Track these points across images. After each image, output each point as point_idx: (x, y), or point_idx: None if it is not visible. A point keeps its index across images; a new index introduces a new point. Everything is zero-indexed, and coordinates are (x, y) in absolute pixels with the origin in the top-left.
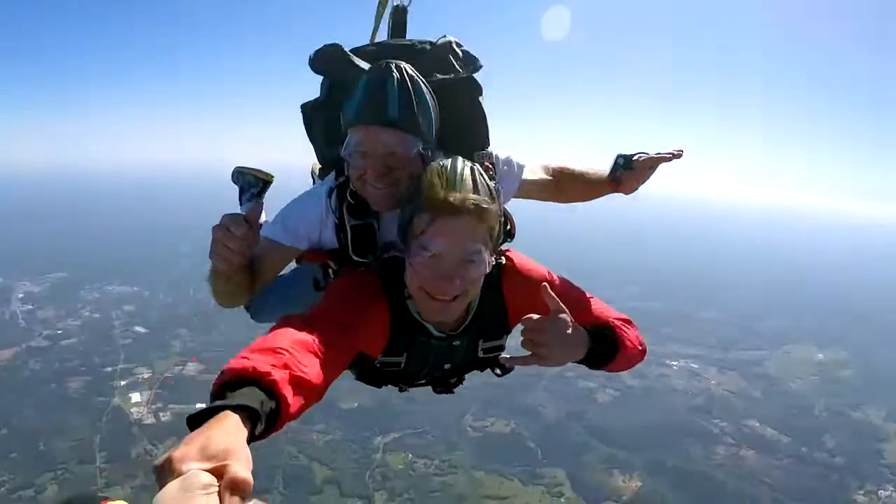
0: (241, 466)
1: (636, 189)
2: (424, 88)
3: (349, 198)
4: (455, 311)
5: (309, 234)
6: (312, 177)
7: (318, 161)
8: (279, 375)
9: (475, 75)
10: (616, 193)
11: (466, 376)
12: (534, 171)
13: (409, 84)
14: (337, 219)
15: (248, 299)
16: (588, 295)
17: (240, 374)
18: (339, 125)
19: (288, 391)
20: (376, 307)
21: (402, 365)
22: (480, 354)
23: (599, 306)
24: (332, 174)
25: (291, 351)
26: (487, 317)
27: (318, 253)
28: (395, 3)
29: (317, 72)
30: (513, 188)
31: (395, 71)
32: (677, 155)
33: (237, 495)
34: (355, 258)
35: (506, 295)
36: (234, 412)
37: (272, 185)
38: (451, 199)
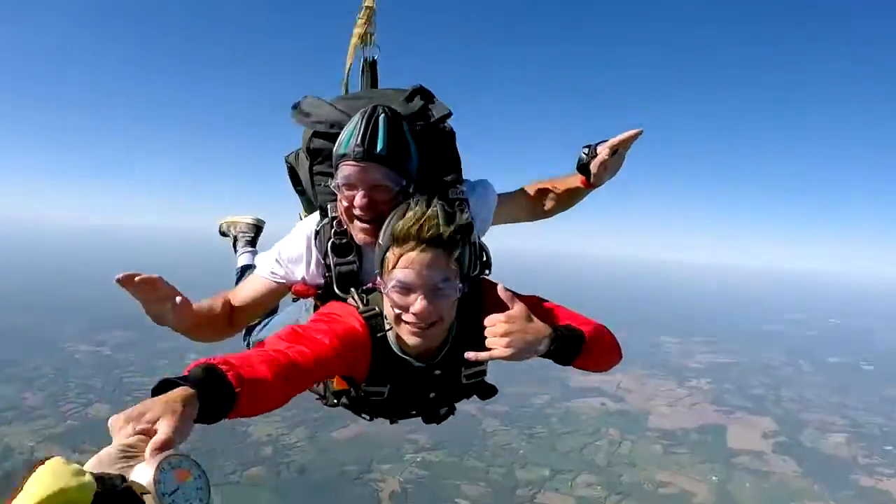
0: (166, 425)
1: (605, 177)
2: (408, 131)
3: (333, 238)
4: (432, 337)
5: (295, 272)
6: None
7: (305, 209)
8: (230, 367)
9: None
10: (590, 189)
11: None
12: (510, 196)
13: (395, 125)
14: (322, 257)
15: (231, 333)
16: (565, 308)
17: (200, 365)
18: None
19: (240, 380)
20: (356, 336)
21: (386, 394)
22: (463, 381)
23: (572, 314)
24: (317, 215)
25: (250, 358)
26: (467, 344)
27: (305, 288)
28: (364, 57)
29: (299, 122)
30: (488, 217)
31: (382, 112)
32: (637, 133)
33: (157, 451)
34: (339, 293)
35: (484, 322)
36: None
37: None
38: (418, 234)
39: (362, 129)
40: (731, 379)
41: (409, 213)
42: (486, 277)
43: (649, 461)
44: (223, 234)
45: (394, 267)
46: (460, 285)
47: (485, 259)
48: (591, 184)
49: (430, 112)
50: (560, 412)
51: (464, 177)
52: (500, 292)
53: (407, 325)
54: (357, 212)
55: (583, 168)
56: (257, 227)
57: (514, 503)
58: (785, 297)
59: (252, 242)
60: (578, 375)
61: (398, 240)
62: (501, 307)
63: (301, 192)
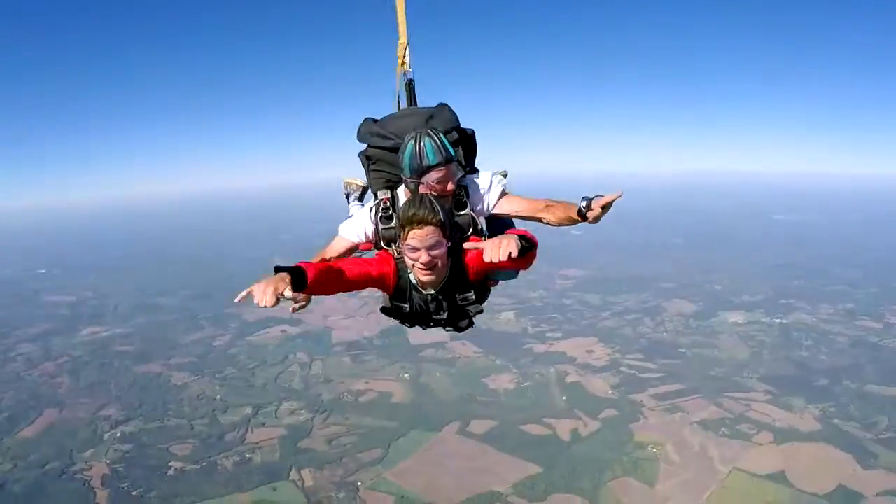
0: (272, 284)
1: (597, 221)
2: (450, 132)
3: (381, 213)
4: (436, 274)
5: (360, 234)
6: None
7: (372, 189)
8: (308, 266)
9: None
10: (583, 222)
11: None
12: (527, 200)
13: (436, 137)
14: (375, 224)
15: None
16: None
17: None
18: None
19: (311, 270)
20: (389, 265)
21: (407, 309)
22: (459, 303)
23: (519, 230)
24: (370, 203)
25: (323, 264)
26: (456, 280)
27: (367, 244)
28: (406, 78)
29: (363, 140)
30: (487, 202)
31: (426, 137)
32: (620, 196)
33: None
34: (384, 247)
35: (466, 266)
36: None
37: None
38: (414, 220)
39: (419, 153)
40: None
41: (411, 208)
42: (465, 243)
43: (343, 374)
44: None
45: (406, 238)
46: (447, 243)
47: (481, 231)
48: (587, 221)
49: (454, 121)
50: (245, 349)
51: (476, 166)
52: (469, 244)
53: (418, 270)
54: (450, 190)
55: (581, 213)
56: (365, 189)
57: (225, 448)
58: None
59: (360, 198)
60: (251, 310)
61: (405, 223)
62: (473, 261)
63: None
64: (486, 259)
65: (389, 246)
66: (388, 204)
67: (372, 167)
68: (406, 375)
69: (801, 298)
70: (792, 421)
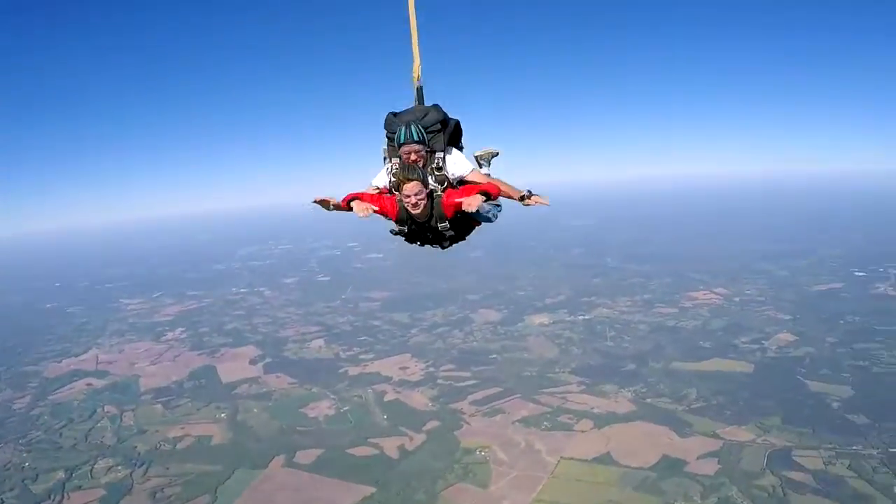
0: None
1: (527, 206)
2: (423, 130)
3: (393, 169)
4: (421, 208)
5: (381, 183)
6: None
7: (389, 157)
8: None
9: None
10: (517, 202)
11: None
12: (483, 175)
13: (418, 127)
14: (389, 177)
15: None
16: (482, 184)
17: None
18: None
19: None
20: (393, 203)
21: (408, 230)
22: (439, 228)
23: (485, 184)
24: (392, 161)
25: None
26: (436, 214)
27: (385, 189)
28: (416, 85)
29: (386, 128)
30: (459, 172)
31: (413, 125)
32: (547, 203)
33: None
34: (393, 191)
35: (443, 207)
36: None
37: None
38: (408, 177)
39: (406, 132)
40: (204, 322)
41: (404, 171)
42: (447, 190)
43: (156, 422)
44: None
45: (402, 189)
46: (427, 189)
47: (450, 181)
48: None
49: (444, 114)
50: (48, 408)
51: (463, 144)
52: (453, 194)
53: (410, 206)
54: (413, 160)
55: (522, 199)
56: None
57: None
58: (237, 236)
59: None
60: (53, 363)
61: (402, 180)
62: (448, 203)
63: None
64: (465, 209)
65: (395, 190)
66: (396, 166)
67: (389, 144)
68: (222, 415)
69: (601, 295)
70: (608, 406)
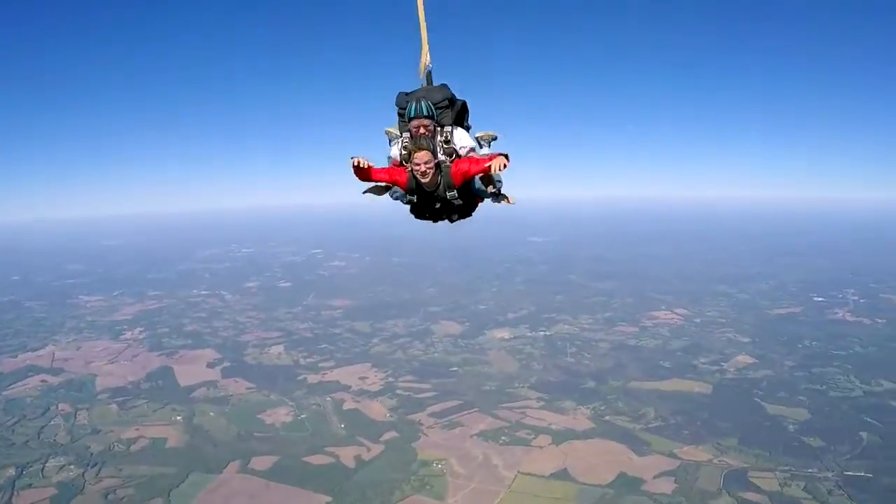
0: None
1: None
2: (433, 106)
3: (404, 142)
4: (431, 177)
5: (396, 156)
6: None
7: (401, 132)
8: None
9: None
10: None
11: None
12: (478, 157)
13: (429, 105)
14: (401, 148)
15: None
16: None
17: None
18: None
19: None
20: (404, 174)
21: (416, 200)
22: (447, 197)
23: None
24: (402, 136)
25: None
26: (445, 183)
27: (398, 161)
28: (427, 68)
29: (398, 103)
30: (465, 148)
31: (423, 100)
32: (513, 203)
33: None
34: (404, 163)
35: (451, 176)
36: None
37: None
38: (419, 146)
39: (415, 106)
40: (164, 322)
41: (415, 141)
42: (456, 160)
43: (111, 423)
44: (386, 133)
45: (413, 158)
46: (436, 159)
47: (457, 153)
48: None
49: (450, 93)
50: (1, 404)
51: (469, 125)
52: (461, 163)
53: (419, 175)
54: (422, 134)
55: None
56: (397, 136)
57: None
58: (199, 238)
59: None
60: (8, 358)
61: (413, 150)
62: (457, 172)
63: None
64: (493, 172)
65: (406, 161)
66: (406, 142)
67: (400, 120)
68: (178, 418)
69: (563, 312)
70: (567, 422)
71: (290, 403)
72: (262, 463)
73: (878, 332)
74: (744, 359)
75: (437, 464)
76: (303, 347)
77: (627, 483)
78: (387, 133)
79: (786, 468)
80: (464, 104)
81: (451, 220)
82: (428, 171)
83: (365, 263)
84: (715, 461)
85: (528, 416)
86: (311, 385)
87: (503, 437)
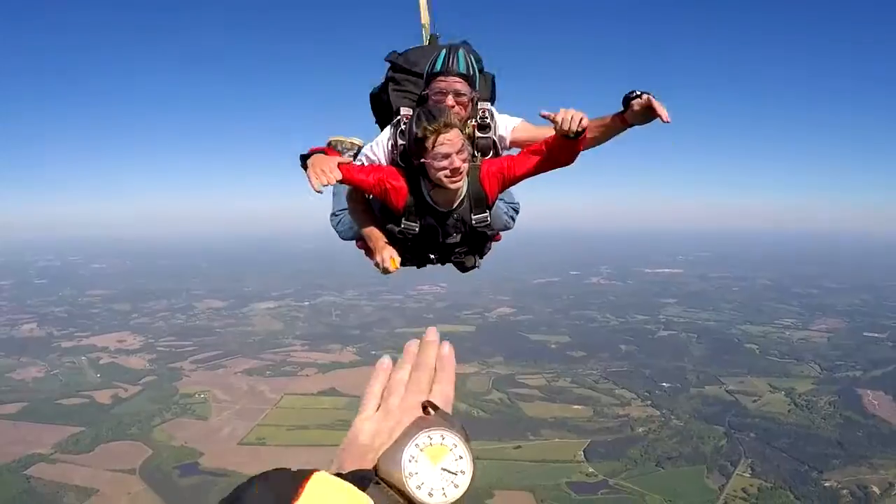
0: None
1: (638, 119)
2: (474, 62)
3: (402, 128)
4: (461, 182)
5: (380, 158)
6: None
7: (395, 106)
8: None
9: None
10: (624, 126)
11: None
12: (537, 126)
13: (469, 57)
14: (396, 138)
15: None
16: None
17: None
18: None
19: (346, 167)
20: (400, 179)
21: (417, 230)
22: (473, 223)
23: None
24: (388, 128)
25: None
26: (473, 197)
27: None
28: (431, 33)
29: (390, 61)
30: (511, 126)
31: (462, 48)
32: (664, 117)
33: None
34: (401, 163)
35: (483, 183)
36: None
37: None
38: (444, 121)
39: (449, 56)
40: None
41: (434, 116)
42: (485, 159)
43: None
44: (330, 144)
45: (434, 146)
46: (470, 150)
47: (496, 150)
48: (624, 118)
49: (479, 58)
50: None
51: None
52: (497, 163)
53: (448, 178)
54: (447, 104)
55: (626, 102)
56: (359, 148)
57: None
58: None
59: (354, 156)
60: None
61: (433, 131)
62: (492, 175)
63: (377, 111)
64: (564, 127)
65: (406, 160)
66: (409, 121)
67: (395, 87)
68: None
69: (328, 288)
70: (333, 358)
71: (42, 363)
72: (7, 409)
73: (625, 289)
74: (505, 309)
75: (199, 394)
76: (58, 325)
77: None
78: (332, 144)
79: (552, 372)
80: (493, 79)
81: (464, 268)
82: (463, 166)
83: (126, 266)
84: (482, 372)
85: (292, 356)
86: (65, 349)
87: (268, 372)
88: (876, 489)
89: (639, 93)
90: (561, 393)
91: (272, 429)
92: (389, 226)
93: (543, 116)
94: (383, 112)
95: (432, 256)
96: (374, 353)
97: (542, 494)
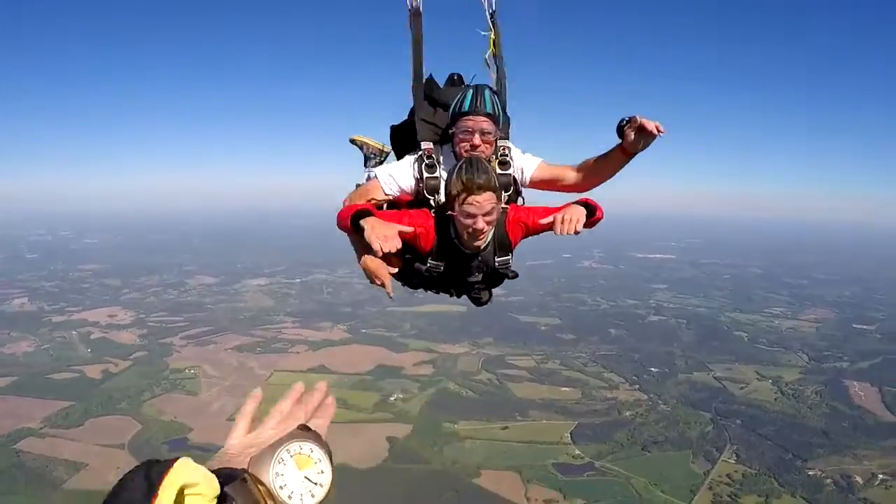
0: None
1: (639, 144)
2: (498, 102)
3: (426, 161)
4: (485, 239)
5: (399, 182)
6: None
7: (419, 138)
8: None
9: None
10: (627, 156)
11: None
12: (554, 165)
13: (494, 97)
14: (418, 172)
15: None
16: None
17: (356, 209)
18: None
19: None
20: (427, 221)
21: (443, 269)
22: (495, 265)
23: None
24: (409, 156)
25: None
26: (498, 241)
27: (402, 196)
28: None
29: (425, 88)
30: (531, 166)
31: (487, 88)
32: (660, 130)
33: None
34: (427, 195)
35: (507, 229)
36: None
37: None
38: (478, 183)
39: (476, 96)
40: None
41: (469, 173)
42: (513, 205)
43: None
44: (353, 142)
45: (462, 203)
46: (500, 207)
47: (519, 192)
48: (624, 149)
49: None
50: None
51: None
52: (535, 213)
53: (469, 235)
54: (472, 147)
55: (620, 131)
56: (385, 153)
57: None
58: None
59: (379, 164)
60: None
61: (463, 189)
62: (517, 222)
63: (396, 139)
64: (558, 233)
65: (431, 196)
66: (432, 154)
67: (422, 118)
68: None
69: (320, 266)
70: (324, 336)
71: (32, 338)
72: None
73: (616, 273)
74: (496, 290)
75: (189, 370)
76: (49, 299)
77: (386, 371)
78: (357, 143)
79: (541, 353)
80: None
81: (480, 302)
82: (488, 226)
83: (118, 241)
84: (472, 353)
85: (284, 333)
86: (56, 323)
87: (259, 349)
88: (859, 479)
89: (627, 118)
90: (549, 375)
91: (262, 405)
92: (417, 265)
93: (542, 225)
94: (403, 141)
95: (451, 291)
96: (364, 330)
97: (529, 475)
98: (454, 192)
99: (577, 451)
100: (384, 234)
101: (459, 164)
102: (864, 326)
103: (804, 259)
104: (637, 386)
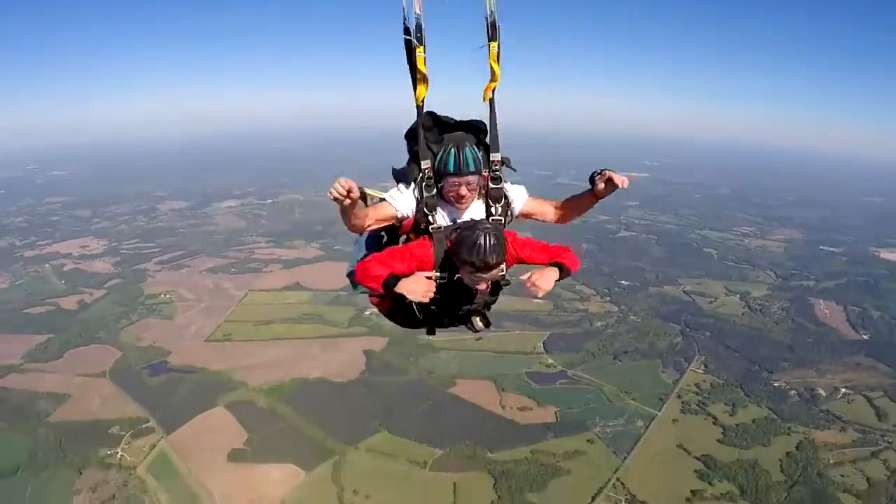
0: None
1: (607, 192)
2: (479, 152)
3: (426, 180)
4: (482, 297)
5: (404, 201)
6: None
7: (421, 157)
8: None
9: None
10: (596, 199)
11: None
12: (539, 200)
13: (475, 152)
14: (418, 191)
15: (356, 230)
16: (543, 243)
17: (387, 276)
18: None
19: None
20: (426, 252)
21: (439, 297)
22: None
23: (551, 248)
24: (411, 192)
25: (391, 266)
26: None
27: (408, 222)
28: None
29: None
30: (520, 200)
31: (467, 146)
32: (623, 185)
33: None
34: (426, 211)
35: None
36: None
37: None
38: (488, 263)
39: (459, 155)
40: None
41: (483, 253)
42: (507, 231)
43: None
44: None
45: (471, 271)
46: (505, 276)
47: (507, 201)
48: (595, 194)
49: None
50: None
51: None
52: (530, 248)
53: (472, 283)
54: (461, 195)
55: (591, 181)
56: (381, 200)
57: None
58: None
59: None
60: None
61: (476, 267)
62: (509, 256)
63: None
64: (527, 287)
65: (431, 212)
66: (430, 173)
67: (426, 137)
68: None
69: (291, 186)
70: (296, 255)
71: (6, 274)
72: None
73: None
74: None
75: (165, 295)
76: (18, 234)
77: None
78: (370, 196)
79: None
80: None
81: (475, 328)
82: (486, 289)
83: (86, 172)
84: None
85: (257, 253)
86: (28, 258)
87: (233, 269)
88: (822, 392)
89: (599, 171)
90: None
91: (238, 325)
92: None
93: (526, 288)
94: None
95: (445, 321)
96: (336, 248)
97: (503, 383)
98: (468, 260)
99: (549, 361)
100: (423, 291)
101: (480, 235)
102: (831, 249)
103: (776, 183)
104: (608, 298)
